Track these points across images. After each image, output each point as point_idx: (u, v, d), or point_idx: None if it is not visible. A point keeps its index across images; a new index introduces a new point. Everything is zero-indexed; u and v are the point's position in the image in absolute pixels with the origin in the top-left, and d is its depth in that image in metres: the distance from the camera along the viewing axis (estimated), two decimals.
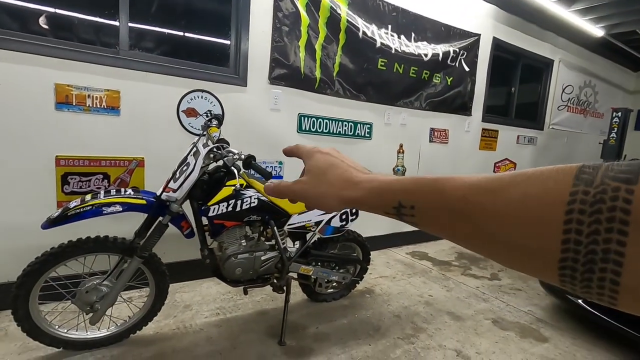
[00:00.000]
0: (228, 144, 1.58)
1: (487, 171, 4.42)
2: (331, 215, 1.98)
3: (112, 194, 1.50)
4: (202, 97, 2.38)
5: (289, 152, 0.48)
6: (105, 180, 2.13)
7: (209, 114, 2.40)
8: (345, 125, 3.09)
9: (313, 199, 0.41)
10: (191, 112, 2.36)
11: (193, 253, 2.44)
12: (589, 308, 2.07)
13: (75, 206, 1.41)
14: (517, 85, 4.53)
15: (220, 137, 1.63)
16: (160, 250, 2.31)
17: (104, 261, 1.65)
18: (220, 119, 1.88)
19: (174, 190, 1.52)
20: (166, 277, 1.74)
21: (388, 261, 3.21)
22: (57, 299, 1.61)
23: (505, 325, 2.20)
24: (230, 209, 1.64)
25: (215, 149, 1.53)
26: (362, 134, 3.21)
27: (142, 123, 2.19)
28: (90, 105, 2.04)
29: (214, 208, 1.61)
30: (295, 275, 2.07)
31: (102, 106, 2.07)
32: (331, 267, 2.17)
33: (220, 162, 1.62)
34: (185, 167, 1.54)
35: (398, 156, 3.52)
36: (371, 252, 2.38)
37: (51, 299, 1.60)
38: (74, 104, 1.99)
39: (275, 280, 1.94)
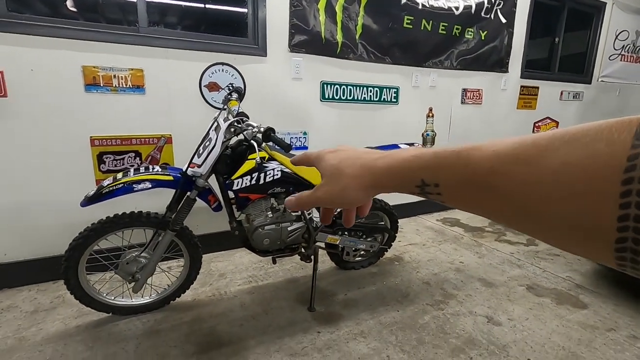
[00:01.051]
0: (247, 117, 1.57)
1: (526, 132, 4.15)
2: None
3: (141, 171, 1.56)
4: (222, 70, 2.37)
5: (299, 162, 0.45)
6: (137, 158, 2.22)
7: (230, 87, 2.39)
8: (370, 91, 2.97)
9: (338, 198, 0.38)
10: (213, 87, 2.36)
11: (225, 225, 2.53)
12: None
13: (108, 184, 1.49)
14: (562, 35, 4.10)
15: (239, 110, 1.62)
16: (193, 223, 2.43)
17: (141, 234, 1.75)
18: (240, 91, 1.86)
19: (198, 166, 1.55)
20: (198, 249, 1.82)
21: (418, 228, 3.18)
22: (103, 270, 1.75)
23: (541, 292, 2.13)
24: (253, 182, 1.66)
25: (235, 123, 1.53)
26: (389, 99, 3.08)
27: (166, 100, 2.23)
28: (117, 85, 2.09)
29: (238, 182, 1.64)
30: (322, 245, 2.10)
31: (127, 86, 2.11)
32: (358, 236, 2.18)
33: (241, 136, 1.62)
34: (208, 143, 1.56)
35: (427, 120, 3.37)
36: (401, 220, 2.36)
37: (98, 269, 1.73)
38: (101, 85, 2.05)
39: (302, 250, 1.98)
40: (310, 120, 2.75)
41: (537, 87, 4.02)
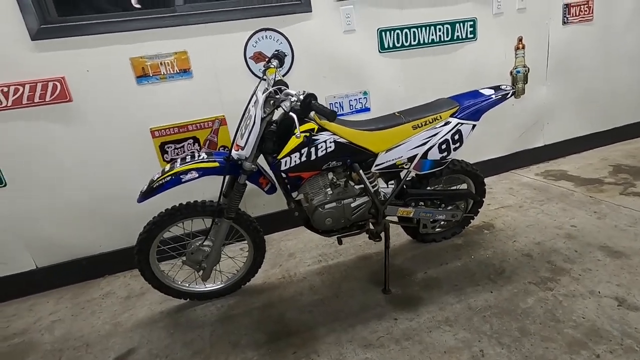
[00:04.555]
0: (286, 85, 1.35)
1: None
2: (426, 147, 1.63)
3: (187, 161, 1.49)
4: (266, 37, 2.16)
5: None
6: (196, 144, 2.20)
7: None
8: (439, 30, 2.48)
9: None
10: (259, 57, 2.18)
11: None
12: None
13: (158, 178, 1.45)
14: None
15: (277, 78, 1.41)
16: (260, 202, 2.38)
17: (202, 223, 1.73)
18: (281, 57, 1.64)
19: (242, 148, 1.42)
20: (259, 232, 1.74)
21: (511, 187, 2.69)
22: (174, 258, 1.79)
23: None
24: (304, 158, 1.47)
25: (272, 94, 1.33)
26: (464, 36, 2.55)
27: (214, 80, 2.13)
28: (165, 73, 2.04)
29: (285, 161, 1.46)
30: (395, 219, 1.86)
31: (175, 71, 2.06)
32: (436, 205, 1.87)
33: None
34: (248, 120, 1.40)
35: (517, 54, 2.74)
36: (489, 178, 1.97)
37: (168, 258, 1.78)
38: (150, 75, 2.03)
39: (371, 227, 1.77)
40: (370, 77, 2.42)
41: None
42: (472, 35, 2.58)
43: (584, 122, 3.13)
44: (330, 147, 1.49)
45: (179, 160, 1.51)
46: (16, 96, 1.86)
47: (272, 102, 1.36)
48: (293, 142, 1.44)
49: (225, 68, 2.13)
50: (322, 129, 1.49)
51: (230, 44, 2.11)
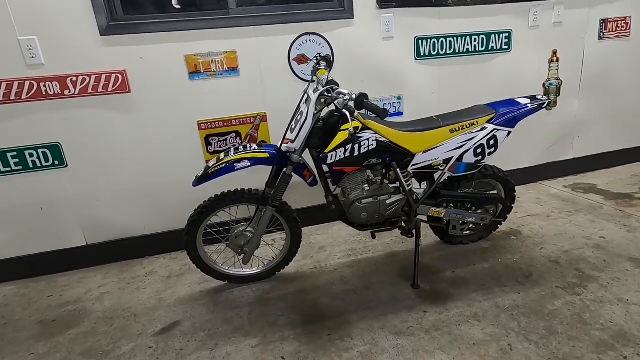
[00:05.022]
0: (337, 85, 1.47)
1: None
2: (462, 151, 1.71)
3: (240, 150, 1.62)
4: (309, 40, 2.29)
5: None
6: (238, 138, 2.34)
7: (318, 57, 2.31)
8: (475, 40, 2.56)
9: None
10: (302, 59, 2.31)
11: (322, 198, 2.55)
12: None
13: (213, 165, 1.58)
14: None
15: (329, 79, 1.53)
16: (292, 197, 2.50)
17: (248, 210, 1.86)
18: (329, 59, 1.76)
19: (292, 141, 1.54)
20: (298, 223, 1.85)
21: (539, 197, 2.72)
22: (217, 242, 1.92)
23: None
24: (347, 154, 1.58)
25: (325, 93, 1.45)
26: (498, 47, 2.62)
27: (259, 78, 2.27)
28: (215, 70, 2.20)
29: (332, 155, 1.57)
30: (424, 218, 1.94)
31: (224, 69, 2.21)
32: (466, 207, 1.94)
33: (332, 107, 1.54)
34: (300, 116, 1.52)
35: (550, 66, 2.78)
36: (517, 187, 2.02)
37: (213, 242, 1.91)
38: (202, 71, 2.18)
39: (403, 224, 1.85)
40: (405, 82, 2.52)
41: None
42: (506, 47, 2.64)
43: (614, 137, 3.12)
44: (372, 145, 1.60)
45: (232, 150, 1.65)
46: (83, 85, 2.04)
47: (323, 100, 1.47)
48: (340, 138, 1.55)
49: (270, 68, 2.27)
50: (365, 127, 1.59)
51: (276, 46, 2.25)
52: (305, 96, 1.53)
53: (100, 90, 2.07)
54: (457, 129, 1.69)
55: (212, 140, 2.31)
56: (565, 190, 2.79)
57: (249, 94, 2.28)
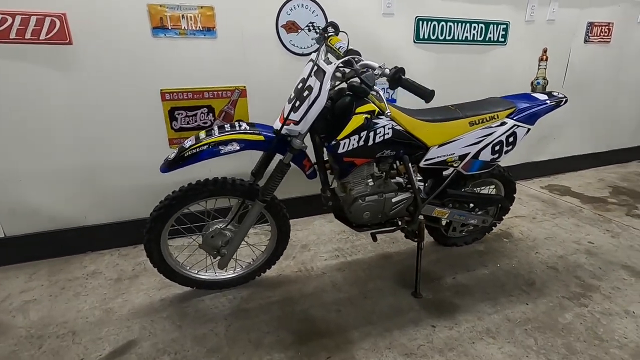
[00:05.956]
0: (360, 55, 1.18)
1: None
2: (480, 147, 1.53)
3: (226, 129, 1.27)
4: (302, 5, 1.95)
5: None
6: (210, 114, 1.96)
7: (310, 27, 1.99)
8: (474, 28, 2.40)
9: None
10: (292, 27, 1.97)
11: (302, 189, 2.27)
12: None
13: (191, 146, 1.22)
14: None
15: (348, 47, 1.24)
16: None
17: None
18: (336, 26, 1.45)
19: (296, 123, 1.23)
20: (288, 221, 1.56)
21: (520, 197, 2.68)
22: (180, 234, 1.56)
23: None
24: (362, 142, 1.31)
25: (344, 64, 1.16)
26: (495, 38, 2.49)
27: (240, 45, 1.90)
28: (186, 28, 1.78)
29: (344, 143, 1.29)
30: (421, 217, 1.75)
31: (197, 28, 1.80)
32: (469, 208, 1.79)
33: (353, 82, 1.24)
34: (307, 92, 1.21)
35: (539, 65, 2.73)
36: None
37: (178, 234, 1.55)
38: (169, 27, 1.76)
39: (405, 225, 1.65)
40: (402, 65, 2.28)
41: None
42: (502, 39, 2.52)
43: (585, 141, 3.21)
44: (388, 133, 1.34)
45: (216, 129, 1.29)
46: (2, 28, 1.53)
47: (340, 74, 1.18)
48: (355, 123, 1.27)
49: (254, 33, 1.91)
50: (381, 112, 1.33)
51: (262, 7, 1.88)
52: (314, 67, 1.22)
53: (28, 37, 1.57)
54: (477, 122, 1.50)
55: (178, 114, 1.90)
56: (543, 192, 2.80)
57: (226, 62, 1.90)
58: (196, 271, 1.59)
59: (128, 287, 1.66)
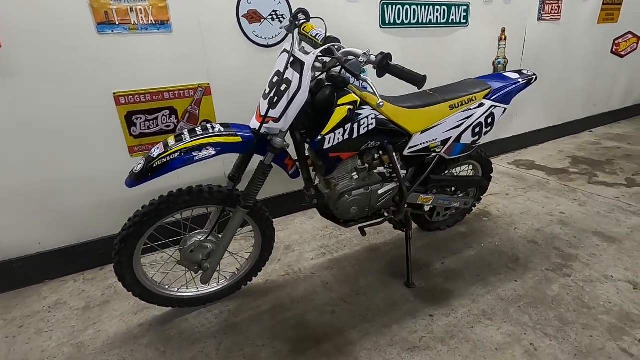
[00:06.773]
0: (340, 42, 1.10)
1: (604, 51, 3.51)
2: (461, 130, 1.52)
3: (198, 133, 1.15)
4: None
5: None
6: (173, 116, 1.80)
7: (274, 16, 1.87)
8: (437, 11, 2.39)
9: None
10: (253, 16, 1.84)
11: (278, 187, 2.17)
12: None
13: (160, 155, 1.09)
14: None
15: (327, 34, 1.15)
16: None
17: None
18: (307, 12, 1.35)
19: (276, 120, 1.13)
20: (272, 224, 1.47)
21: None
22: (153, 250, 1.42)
23: None
24: (347, 136, 1.24)
25: (324, 53, 1.07)
26: (457, 20, 2.50)
27: (198, 38, 1.74)
28: (136, 22, 1.60)
29: (330, 138, 1.21)
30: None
31: (149, 22, 1.63)
32: (451, 192, 1.79)
33: (333, 72, 1.16)
34: (285, 86, 1.12)
35: (499, 44, 2.79)
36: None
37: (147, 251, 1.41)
38: (116, 22, 1.57)
39: (392, 216, 1.61)
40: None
41: None
42: (464, 21, 2.54)
43: (544, 116, 3.36)
44: (371, 124, 1.28)
45: (186, 133, 1.16)
46: None
47: (320, 64, 1.09)
48: (338, 115, 1.19)
49: (213, 25, 1.76)
50: (363, 102, 1.27)
51: None
52: (291, 59, 1.12)
53: None
54: (457, 105, 1.48)
55: (137, 119, 1.73)
56: (511, 168, 2.89)
57: (185, 58, 1.74)
58: (176, 289, 1.46)
59: (99, 315, 1.49)
